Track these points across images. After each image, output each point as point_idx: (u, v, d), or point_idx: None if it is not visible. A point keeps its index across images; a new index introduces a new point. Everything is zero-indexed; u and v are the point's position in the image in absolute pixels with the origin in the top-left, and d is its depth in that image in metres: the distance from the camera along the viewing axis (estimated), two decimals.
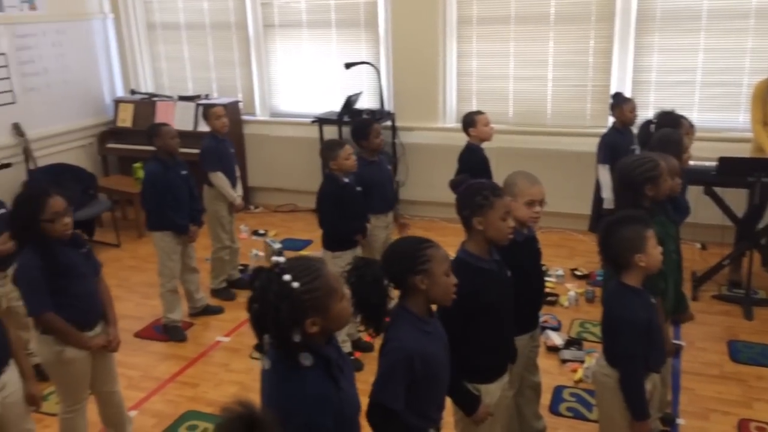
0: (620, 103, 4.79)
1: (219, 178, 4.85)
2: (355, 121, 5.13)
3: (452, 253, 4.93)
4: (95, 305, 2.99)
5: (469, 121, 4.55)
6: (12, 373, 2.65)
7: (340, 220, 3.97)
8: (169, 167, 4.35)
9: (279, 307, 1.68)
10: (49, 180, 5.53)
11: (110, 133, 7.07)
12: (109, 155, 7.13)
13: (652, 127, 3.92)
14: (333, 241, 4.05)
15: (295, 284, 1.69)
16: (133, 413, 3.55)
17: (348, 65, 6.23)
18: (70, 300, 2.85)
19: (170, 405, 3.72)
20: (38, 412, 2.79)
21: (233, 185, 4.98)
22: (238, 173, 5.09)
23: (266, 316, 1.71)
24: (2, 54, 6.15)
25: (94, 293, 2.98)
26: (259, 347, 1.79)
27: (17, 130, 6.22)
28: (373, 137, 4.21)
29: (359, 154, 4.21)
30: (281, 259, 1.75)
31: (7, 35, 6.20)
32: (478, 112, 4.61)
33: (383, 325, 2.07)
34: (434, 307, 2.24)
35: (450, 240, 5.77)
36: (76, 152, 6.87)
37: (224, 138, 4.96)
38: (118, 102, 7.13)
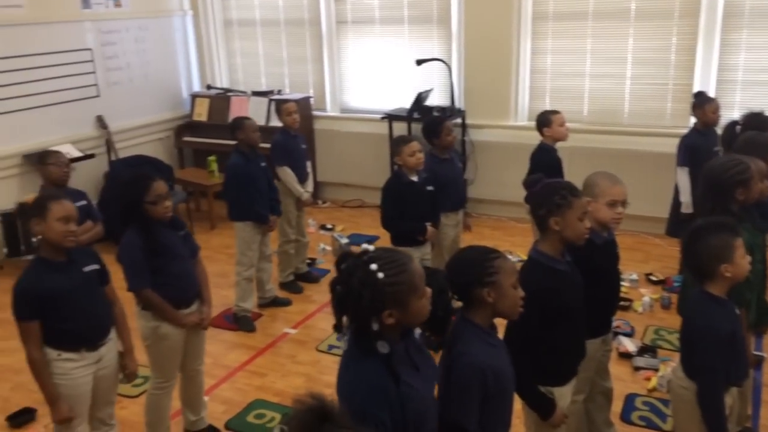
0: (703, 103, 4.59)
1: (286, 173, 4.92)
2: (427, 119, 5.11)
3: (521, 254, 4.86)
4: (191, 285, 3.13)
5: (544, 120, 4.45)
6: (111, 345, 2.80)
7: (399, 217, 3.95)
8: (250, 159, 4.48)
9: (361, 294, 1.69)
10: (129, 171, 5.75)
11: (186, 126, 7.29)
12: (184, 148, 7.36)
13: (738, 128, 3.74)
14: (396, 238, 4.05)
15: (380, 275, 1.70)
16: (205, 399, 3.64)
17: (419, 62, 6.21)
18: (167, 279, 3.00)
19: (239, 393, 3.81)
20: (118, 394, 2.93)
21: (303, 181, 5.04)
22: (309, 169, 5.16)
23: (348, 299, 1.73)
24: (88, 49, 6.43)
25: (191, 274, 3.12)
26: (337, 328, 1.80)
27: (101, 122, 6.50)
28: (445, 135, 4.19)
29: (431, 151, 4.19)
30: (371, 247, 1.76)
31: (94, 31, 6.48)
32: (554, 112, 4.48)
33: (445, 337, 2.03)
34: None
35: (518, 240, 5.74)
36: (154, 145, 7.12)
37: (296, 134, 5.03)
38: (194, 96, 7.35)
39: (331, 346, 4.26)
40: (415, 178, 3.97)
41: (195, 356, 3.26)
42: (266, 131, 6.20)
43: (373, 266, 1.71)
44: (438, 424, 1.94)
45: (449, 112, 6.09)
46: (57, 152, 4.17)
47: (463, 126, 6.29)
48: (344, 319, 1.78)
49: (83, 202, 4.07)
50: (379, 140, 6.57)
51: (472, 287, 2.04)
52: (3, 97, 5.69)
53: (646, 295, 4.69)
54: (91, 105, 6.46)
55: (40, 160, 4.00)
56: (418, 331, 1.91)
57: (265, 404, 3.67)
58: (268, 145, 5.11)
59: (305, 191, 5.03)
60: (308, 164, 5.16)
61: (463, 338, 2.05)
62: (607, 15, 5.79)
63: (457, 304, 2.06)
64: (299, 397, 1.41)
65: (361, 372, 1.76)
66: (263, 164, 4.56)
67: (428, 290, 1.80)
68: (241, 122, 4.51)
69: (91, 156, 6.20)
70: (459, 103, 6.41)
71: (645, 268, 5.17)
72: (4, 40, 5.69)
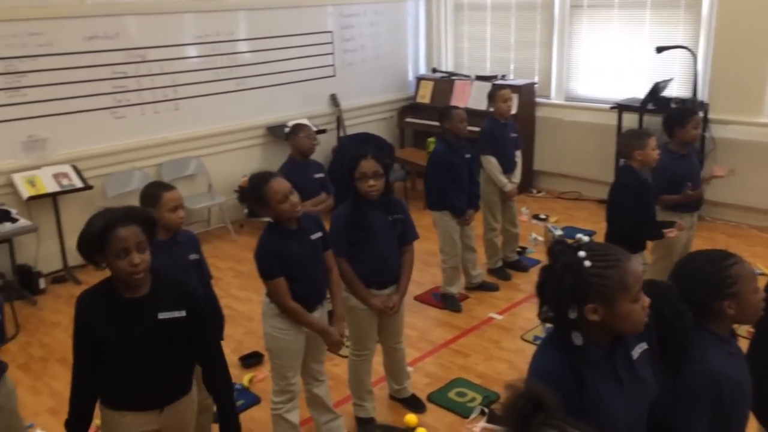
0: None
1: (489, 162, 4.82)
2: (675, 108, 4.74)
3: (762, 266, 4.30)
4: (387, 268, 3.20)
5: None
6: (323, 310, 2.99)
7: (632, 219, 3.65)
8: (453, 149, 4.45)
9: (563, 278, 1.62)
10: (353, 147, 6.10)
11: (410, 107, 7.53)
12: (406, 128, 7.62)
13: None
14: (617, 240, 3.77)
15: (587, 263, 1.61)
16: (409, 369, 3.77)
17: (660, 49, 5.75)
18: (363, 255, 3.12)
19: (442, 368, 3.88)
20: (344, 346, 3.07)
21: (509, 171, 4.91)
22: (518, 159, 5.02)
23: (549, 284, 1.66)
24: (329, 32, 6.90)
25: (390, 258, 3.19)
26: (540, 315, 1.74)
27: (334, 100, 6.96)
28: (692, 127, 3.84)
29: (667, 146, 3.86)
30: (586, 237, 1.68)
31: (335, 15, 6.93)
32: None
33: (683, 364, 1.83)
34: None
35: (759, 250, 5.13)
36: (378, 124, 7.46)
37: (506, 122, 4.89)
38: (419, 79, 7.56)
39: (536, 337, 4.16)
40: (645, 176, 3.68)
41: (392, 335, 3.35)
42: (486, 116, 6.19)
43: (582, 253, 1.62)
44: None
45: (690, 104, 5.58)
46: (307, 125, 4.52)
47: (705, 120, 5.71)
48: (545, 308, 1.70)
49: (321, 175, 4.37)
50: (606, 131, 6.23)
51: (709, 302, 1.84)
52: (253, 74, 6.33)
53: None
54: (326, 84, 6.94)
55: (293, 132, 4.34)
56: (641, 348, 1.75)
57: (467, 384, 3.70)
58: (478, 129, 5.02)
59: (510, 182, 4.90)
60: (517, 154, 5.01)
61: (696, 343, 1.85)
62: None
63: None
64: (512, 382, 1.39)
65: (544, 361, 1.69)
66: (467, 155, 4.50)
67: (646, 298, 1.65)
68: (449, 112, 4.48)
69: (323, 131, 6.67)
70: (702, 96, 5.85)
71: None
72: (256, 22, 6.31)
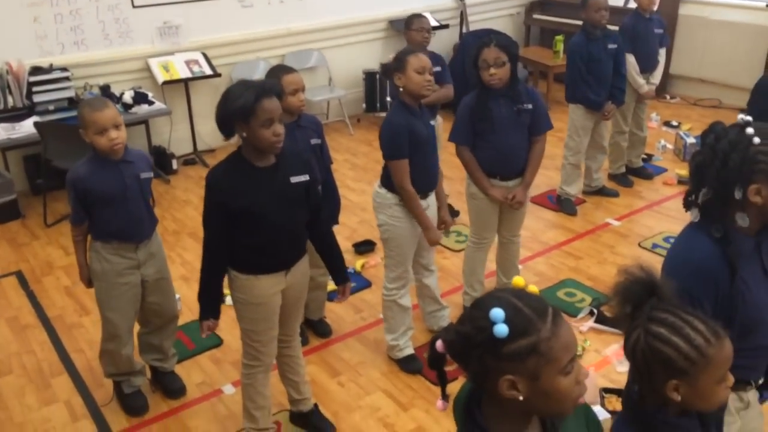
0: None
1: (626, 60, 4.48)
2: None
3: None
4: (509, 159, 3.14)
5: None
6: (432, 200, 3.01)
7: None
8: (592, 39, 4.24)
9: (728, 156, 1.52)
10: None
11: (538, 4, 7.13)
12: (533, 26, 7.25)
13: None
14: None
15: (756, 140, 1.51)
16: (519, 267, 3.77)
17: None
18: (485, 145, 3.10)
19: (552, 269, 3.85)
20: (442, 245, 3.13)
21: (649, 70, 4.61)
22: (661, 57, 4.67)
23: (710, 166, 1.56)
24: None
25: (515, 149, 3.12)
26: (688, 202, 1.66)
27: None
28: None
29: None
30: (749, 117, 1.56)
31: None
32: None
33: None
34: None
35: None
36: (504, 20, 7.14)
37: (651, 16, 4.55)
38: None
39: (655, 245, 4.00)
40: None
41: (510, 226, 3.34)
42: (622, 13, 5.76)
43: (750, 130, 1.52)
44: None
45: None
46: (421, 17, 4.40)
47: None
48: (700, 194, 1.61)
49: (438, 68, 4.28)
50: (758, 33, 5.65)
51: None
52: None
53: None
54: None
55: (406, 24, 4.28)
56: None
57: (577, 285, 3.66)
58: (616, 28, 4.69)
59: (649, 83, 4.61)
60: (661, 52, 4.66)
61: None
62: None
63: None
64: (628, 267, 1.36)
65: (695, 248, 1.61)
66: (611, 46, 4.26)
67: None
68: (586, 0, 4.25)
69: (446, 26, 6.48)
70: None
71: None
72: None
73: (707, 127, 1.63)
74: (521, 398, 1.08)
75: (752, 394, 1.76)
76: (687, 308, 1.32)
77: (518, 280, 1.21)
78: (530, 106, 3.09)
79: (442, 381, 1.17)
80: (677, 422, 1.33)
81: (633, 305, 1.34)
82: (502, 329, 1.05)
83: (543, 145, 3.18)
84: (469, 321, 1.10)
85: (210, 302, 2.41)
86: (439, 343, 1.13)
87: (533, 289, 1.17)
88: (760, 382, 1.75)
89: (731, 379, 1.31)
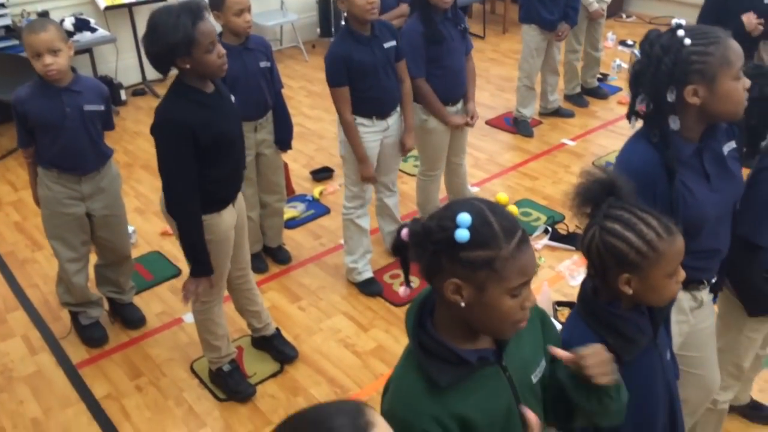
0: None
1: None
2: None
3: None
4: (460, 82, 3.13)
5: None
6: (396, 118, 2.97)
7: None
8: None
9: (661, 60, 1.54)
10: None
11: None
12: None
13: None
14: None
15: (687, 41, 1.52)
16: (475, 189, 3.80)
17: None
18: (439, 72, 3.04)
19: (509, 190, 3.88)
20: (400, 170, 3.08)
21: None
22: None
23: (645, 71, 1.57)
24: None
25: (461, 70, 3.11)
26: (630, 114, 1.68)
27: None
28: None
29: None
30: (681, 21, 1.55)
31: None
32: None
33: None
34: None
35: None
36: None
37: None
38: None
39: (608, 163, 4.06)
40: None
41: (456, 151, 3.34)
42: None
43: (681, 32, 1.53)
44: (731, 239, 1.77)
45: None
46: None
47: None
48: (638, 99, 1.62)
49: None
50: None
51: None
52: None
53: None
54: None
55: None
56: (730, 146, 1.68)
57: (533, 204, 3.71)
58: None
59: (600, 1, 4.54)
60: None
61: None
62: None
63: None
64: (589, 168, 1.39)
65: (633, 153, 1.65)
66: None
67: (746, 79, 1.55)
68: None
69: None
70: None
71: None
72: None
73: (644, 36, 1.63)
74: (463, 304, 1.09)
75: (705, 294, 1.83)
76: (642, 206, 1.35)
77: (502, 197, 1.23)
78: (466, 26, 3.07)
79: (405, 267, 1.19)
80: (628, 315, 1.38)
81: (592, 204, 1.37)
82: (463, 234, 1.06)
83: (473, 62, 3.21)
84: (438, 218, 1.11)
85: (205, 256, 2.24)
86: (404, 232, 1.14)
87: (513, 210, 1.19)
88: (713, 281, 1.82)
89: (682, 274, 1.36)
